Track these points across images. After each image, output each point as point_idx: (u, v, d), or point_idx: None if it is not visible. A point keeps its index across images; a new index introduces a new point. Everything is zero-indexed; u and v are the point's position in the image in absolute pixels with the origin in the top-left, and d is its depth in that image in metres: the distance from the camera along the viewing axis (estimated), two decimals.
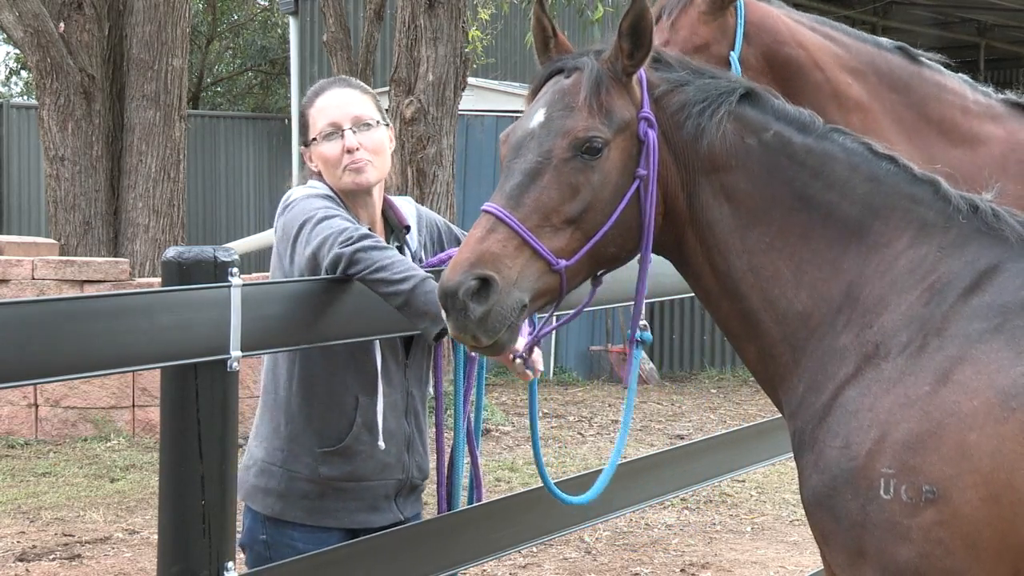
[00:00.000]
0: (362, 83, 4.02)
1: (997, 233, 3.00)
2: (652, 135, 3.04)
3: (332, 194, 3.78)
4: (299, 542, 3.73)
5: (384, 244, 3.53)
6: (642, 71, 3.08)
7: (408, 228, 3.94)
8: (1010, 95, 4.48)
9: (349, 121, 3.81)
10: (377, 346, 3.76)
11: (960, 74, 4.45)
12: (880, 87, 4.27)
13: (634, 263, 3.18)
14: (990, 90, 4.47)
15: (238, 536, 3.48)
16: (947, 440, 2.79)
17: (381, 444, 3.78)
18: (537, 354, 3.49)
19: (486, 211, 2.96)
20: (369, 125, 3.83)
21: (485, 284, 2.87)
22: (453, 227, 4.13)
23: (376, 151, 3.83)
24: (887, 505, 2.81)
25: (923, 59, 4.38)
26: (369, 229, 3.71)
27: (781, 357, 3.09)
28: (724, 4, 4.17)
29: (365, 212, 3.85)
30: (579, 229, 2.98)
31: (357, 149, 3.79)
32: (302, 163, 3.99)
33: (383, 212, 3.93)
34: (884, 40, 4.44)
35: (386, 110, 4.08)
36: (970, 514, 2.76)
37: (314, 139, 3.85)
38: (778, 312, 3.07)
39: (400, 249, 3.87)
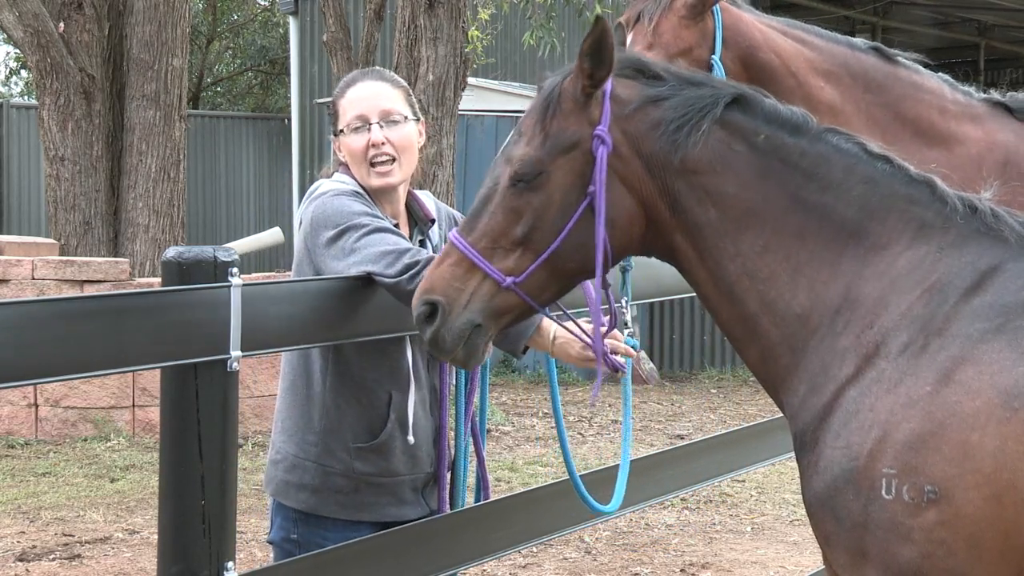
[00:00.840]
0: (396, 76, 4.00)
1: (996, 233, 2.99)
2: (602, 152, 3.05)
3: (360, 191, 3.78)
4: (331, 542, 3.70)
5: None
6: (607, 87, 3.08)
7: (433, 221, 3.96)
8: (993, 94, 4.45)
9: (377, 115, 3.81)
10: (408, 342, 3.78)
11: (940, 73, 4.42)
12: (854, 88, 4.25)
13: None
14: (971, 90, 4.44)
15: (239, 534, 3.47)
16: (949, 440, 2.78)
17: (410, 439, 3.81)
18: (621, 346, 3.63)
19: (449, 238, 3.14)
20: (397, 121, 3.82)
21: (434, 309, 3.07)
22: None
23: (402, 147, 3.82)
24: (889, 505, 2.80)
25: (899, 59, 4.36)
26: (395, 224, 3.76)
27: (781, 359, 3.08)
28: (704, 8, 4.16)
29: (390, 206, 3.86)
30: (528, 249, 3.08)
31: (383, 144, 3.79)
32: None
33: (407, 205, 3.94)
34: (858, 40, 4.42)
35: None
36: (972, 514, 2.75)
37: (342, 130, 3.85)
38: (776, 314, 3.07)
39: (423, 243, 3.89)
